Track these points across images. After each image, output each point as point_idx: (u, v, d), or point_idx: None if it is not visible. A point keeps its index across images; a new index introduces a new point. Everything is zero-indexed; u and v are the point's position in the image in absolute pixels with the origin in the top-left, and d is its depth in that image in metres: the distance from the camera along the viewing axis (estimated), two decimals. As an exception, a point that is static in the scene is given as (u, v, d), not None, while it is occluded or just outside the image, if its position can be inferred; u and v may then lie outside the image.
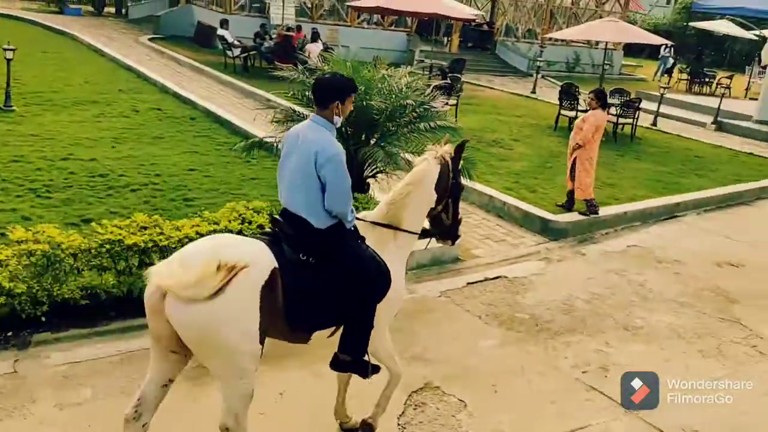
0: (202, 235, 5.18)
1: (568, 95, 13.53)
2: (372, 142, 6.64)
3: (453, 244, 4.16)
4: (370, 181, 6.86)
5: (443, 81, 13.09)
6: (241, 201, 5.95)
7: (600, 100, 8.15)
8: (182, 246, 5.04)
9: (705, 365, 5.32)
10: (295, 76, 6.96)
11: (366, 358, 3.53)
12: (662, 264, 7.41)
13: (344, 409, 4.00)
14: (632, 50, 31.18)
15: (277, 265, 3.16)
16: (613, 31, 14.07)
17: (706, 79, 24.13)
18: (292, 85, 7.03)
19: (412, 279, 6.15)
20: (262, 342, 3.13)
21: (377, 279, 3.43)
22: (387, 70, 7.05)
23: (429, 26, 23.21)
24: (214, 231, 5.24)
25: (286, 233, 3.35)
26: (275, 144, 6.97)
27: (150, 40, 20.33)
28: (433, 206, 3.76)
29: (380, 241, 3.59)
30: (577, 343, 5.47)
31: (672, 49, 26.01)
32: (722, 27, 27.98)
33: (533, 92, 18.91)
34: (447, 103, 11.62)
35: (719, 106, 16.41)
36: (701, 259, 7.65)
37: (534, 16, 27.58)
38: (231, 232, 5.31)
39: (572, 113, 13.29)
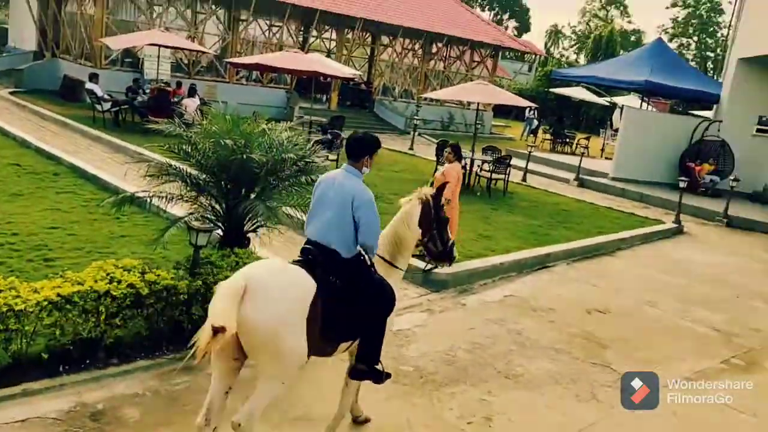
0: (64, 298, 4.78)
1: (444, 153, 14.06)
2: (252, 196, 6.49)
3: (450, 265, 4.94)
4: (251, 235, 6.67)
5: (323, 136, 13.21)
6: (110, 260, 5.55)
7: (456, 153, 8.62)
8: (41, 309, 4.65)
9: (581, 409, 5.51)
10: (171, 129, 6.71)
11: (378, 366, 4.18)
12: (537, 312, 7.69)
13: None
14: (500, 112, 33.20)
15: (317, 287, 3.75)
16: (483, 93, 14.88)
17: (567, 140, 26.08)
18: (167, 138, 6.78)
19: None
20: (309, 355, 3.72)
21: (388, 299, 4.13)
22: (267, 124, 6.98)
23: (308, 84, 23.54)
24: (78, 292, 4.84)
25: (317, 260, 3.95)
26: (147, 199, 6.65)
27: (11, 93, 19.11)
28: (420, 238, 4.44)
29: (383, 269, 4.26)
30: (461, 393, 5.49)
31: (536, 111, 27.92)
32: (578, 93, 30.55)
33: (411, 149, 19.56)
34: (328, 158, 11.68)
35: (580, 164, 17.72)
36: (572, 307, 8.02)
37: (410, 78, 28.78)
38: (96, 292, 4.92)
39: (448, 170, 13.88)
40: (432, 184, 5.42)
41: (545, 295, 8.32)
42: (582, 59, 55.21)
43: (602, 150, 25.61)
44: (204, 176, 6.46)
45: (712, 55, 51.85)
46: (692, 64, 45.70)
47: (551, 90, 32.84)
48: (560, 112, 31.95)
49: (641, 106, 21.84)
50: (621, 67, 19.75)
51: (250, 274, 3.68)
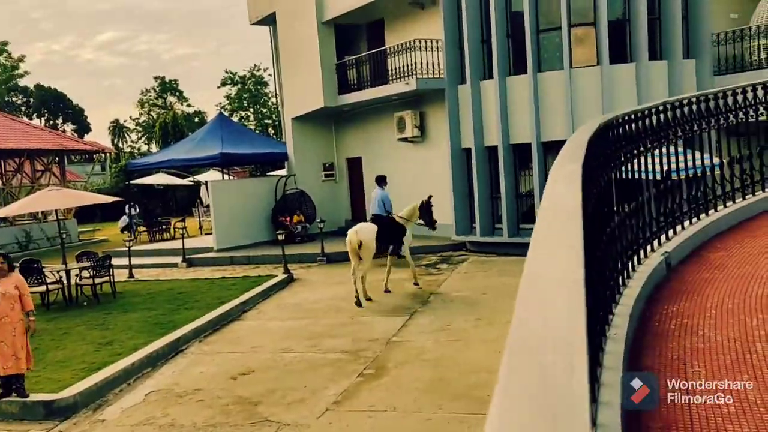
0: None
1: (31, 271, 12.58)
2: None
3: (434, 229, 12.38)
4: None
5: None
6: None
7: (8, 261, 7.71)
8: None
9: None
10: None
11: (401, 252, 11.87)
12: (185, 398, 7.41)
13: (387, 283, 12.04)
14: (85, 217, 31.21)
15: (377, 228, 11.27)
16: (62, 198, 13.80)
17: (164, 227, 25.86)
18: None
19: None
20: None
21: (401, 230, 11.75)
22: None
23: None
24: None
25: (375, 219, 12.01)
26: None
27: None
28: (419, 216, 12.02)
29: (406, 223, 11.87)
30: None
31: (131, 207, 27.06)
32: (161, 179, 30.63)
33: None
34: None
35: (183, 246, 17.72)
36: (217, 380, 7.96)
37: (-37, 204, 24.99)
38: None
39: (42, 288, 12.49)
40: None
41: (188, 378, 8.08)
42: (154, 148, 55.53)
43: (200, 227, 26.11)
44: None
45: (270, 121, 57.63)
46: (257, 132, 50.01)
47: (132, 182, 32.24)
48: (148, 202, 31.56)
49: (223, 178, 22.99)
50: (195, 145, 20.52)
51: (358, 227, 11.39)
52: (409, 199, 17.99)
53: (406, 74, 16.36)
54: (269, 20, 22.36)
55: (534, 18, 14.36)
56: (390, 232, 11.60)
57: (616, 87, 13.89)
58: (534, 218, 14.55)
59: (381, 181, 12.49)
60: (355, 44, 19.28)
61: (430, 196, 12.07)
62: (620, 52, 14.09)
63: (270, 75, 57.51)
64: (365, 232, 11.18)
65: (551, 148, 14.76)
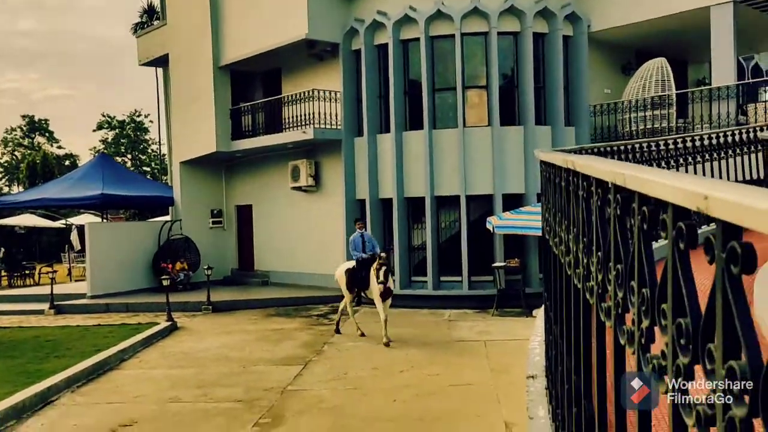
0: None
1: None
2: None
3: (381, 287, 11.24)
4: None
5: None
6: None
7: None
8: None
9: None
10: None
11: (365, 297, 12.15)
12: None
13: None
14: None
15: (351, 266, 11.88)
16: None
17: (27, 272, 23.82)
18: None
19: None
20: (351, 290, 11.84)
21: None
22: None
23: None
24: None
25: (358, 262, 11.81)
26: None
27: None
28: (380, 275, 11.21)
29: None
30: None
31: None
32: (27, 221, 28.35)
33: None
34: None
35: (52, 291, 16.30)
36: (96, 432, 7.24)
37: None
38: None
39: None
40: None
41: None
42: (17, 189, 51.50)
43: (69, 274, 24.31)
44: None
45: (148, 168, 55.36)
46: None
47: (-6, 224, 29.60)
48: (9, 244, 28.94)
49: (102, 221, 21.64)
50: (72, 185, 19.23)
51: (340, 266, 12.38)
52: (303, 248, 17.93)
53: (302, 123, 16.36)
54: (159, 62, 21.80)
55: (431, 78, 14.93)
56: (364, 276, 11.46)
57: (506, 147, 14.63)
58: (425, 271, 14.87)
59: (355, 221, 12.75)
60: (252, 91, 19.12)
61: (383, 252, 11.69)
62: (510, 115, 14.91)
63: (151, 121, 55.75)
64: (341, 266, 12.34)
65: (444, 203, 15.18)
